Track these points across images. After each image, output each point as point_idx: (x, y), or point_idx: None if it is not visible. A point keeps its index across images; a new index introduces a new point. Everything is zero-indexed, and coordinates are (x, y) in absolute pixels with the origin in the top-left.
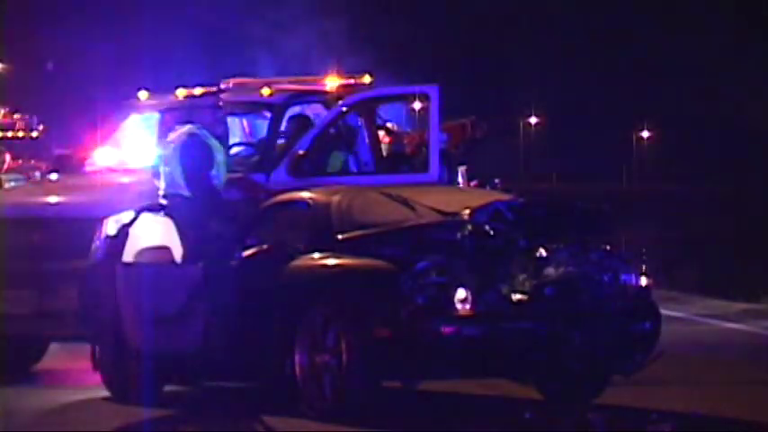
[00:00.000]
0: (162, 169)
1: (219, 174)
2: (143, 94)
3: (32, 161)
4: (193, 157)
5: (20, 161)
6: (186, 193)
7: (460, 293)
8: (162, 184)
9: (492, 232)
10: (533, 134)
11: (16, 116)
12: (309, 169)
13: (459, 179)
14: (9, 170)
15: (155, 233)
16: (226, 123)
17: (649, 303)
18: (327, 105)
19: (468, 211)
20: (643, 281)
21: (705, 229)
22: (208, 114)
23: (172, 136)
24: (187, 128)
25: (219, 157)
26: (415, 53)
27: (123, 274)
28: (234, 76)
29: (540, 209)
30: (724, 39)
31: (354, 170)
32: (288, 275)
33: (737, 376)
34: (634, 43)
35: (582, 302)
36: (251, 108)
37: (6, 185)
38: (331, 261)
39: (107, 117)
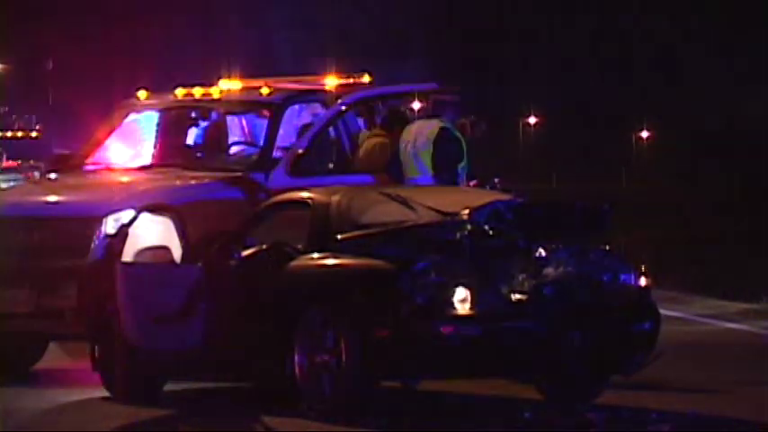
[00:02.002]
0: (403, 157)
1: (464, 169)
2: (142, 94)
3: (31, 161)
4: (447, 150)
5: (19, 161)
6: (430, 182)
7: (460, 293)
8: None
9: (491, 232)
10: (533, 134)
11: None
12: (309, 169)
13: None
14: (7, 169)
15: (155, 233)
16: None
17: (649, 303)
18: (326, 105)
19: (467, 211)
20: (643, 281)
21: (705, 228)
22: (451, 111)
23: (415, 127)
24: (435, 121)
25: (465, 152)
26: (415, 53)
27: (123, 274)
28: (232, 76)
29: (540, 209)
30: (724, 38)
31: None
32: (287, 275)
33: (737, 376)
34: (633, 43)
35: (581, 303)
36: (250, 107)
37: (3, 185)
38: (331, 261)
39: (107, 117)
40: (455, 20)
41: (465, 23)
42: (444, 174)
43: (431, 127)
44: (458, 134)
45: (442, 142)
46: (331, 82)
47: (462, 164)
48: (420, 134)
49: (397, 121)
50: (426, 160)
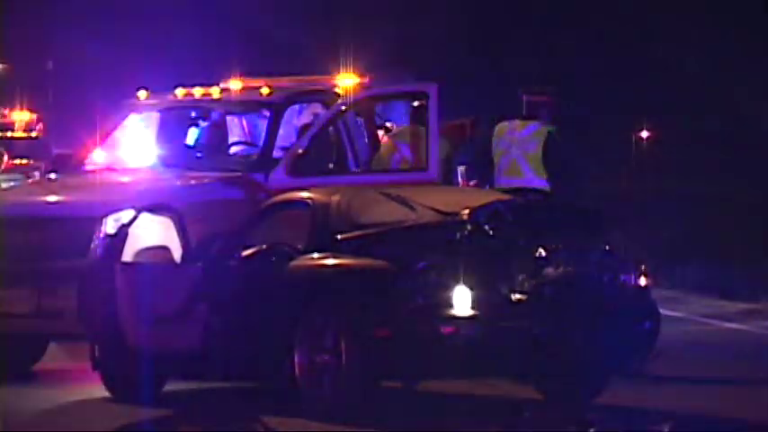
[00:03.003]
0: (500, 158)
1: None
2: (142, 94)
3: (31, 161)
4: (559, 154)
5: (17, 161)
6: (543, 187)
7: (460, 293)
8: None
9: (492, 232)
10: None
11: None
12: (309, 169)
13: (459, 179)
14: (7, 170)
15: (155, 233)
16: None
17: (649, 303)
18: (326, 104)
19: (467, 211)
20: (643, 281)
21: (705, 228)
22: (546, 111)
23: (510, 126)
24: (536, 123)
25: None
26: (414, 52)
27: (123, 274)
28: (232, 76)
29: (540, 209)
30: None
31: (354, 169)
32: (287, 275)
33: (737, 376)
34: (634, 43)
35: (581, 302)
36: (250, 107)
37: (4, 185)
38: (330, 261)
39: (107, 117)
40: (454, 18)
41: (464, 24)
42: (559, 178)
43: (534, 129)
44: (556, 137)
45: (553, 147)
46: (331, 82)
47: (574, 167)
48: (523, 136)
49: (422, 118)
50: (534, 164)
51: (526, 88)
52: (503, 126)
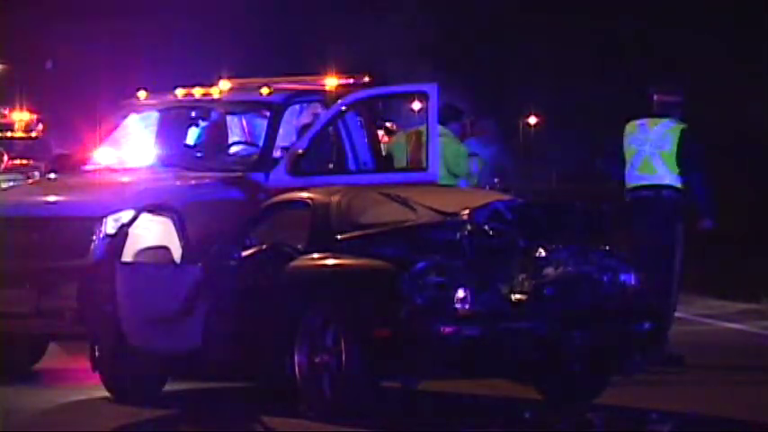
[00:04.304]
0: (632, 156)
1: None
2: (142, 94)
3: (31, 161)
4: (693, 152)
5: (17, 161)
6: (676, 183)
7: (460, 293)
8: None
9: (491, 232)
10: (533, 134)
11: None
12: (309, 169)
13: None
14: (7, 170)
15: (155, 233)
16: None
17: (649, 303)
18: (326, 105)
19: (467, 212)
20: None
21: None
22: (677, 111)
23: (641, 124)
24: (667, 121)
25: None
26: (414, 51)
27: (123, 274)
28: (232, 76)
29: (540, 209)
30: (725, 36)
31: (353, 169)
32: (287, 275)
33: (737, 376)
34: (633, 42)
35: (581, 302)
36: (250, 107)
37: (4, 185)
38: (330, 261)
39: (107, 117)
40: (454, 19)
41: (465, 23)
42: (692, 174)
43: (668, 127)
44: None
45: (687, 144)
46: (331, 82)
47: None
48: (657, 134)
49: (451, 116)
50: (667, 161)
51: (657, 88)
52: (633, 124)
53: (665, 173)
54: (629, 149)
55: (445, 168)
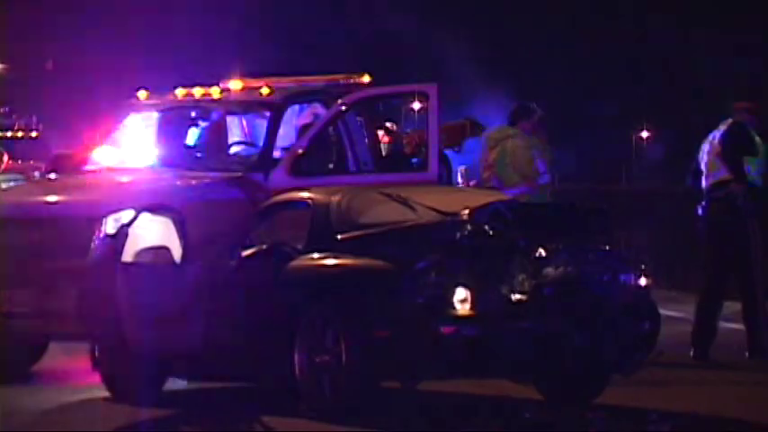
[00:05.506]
0: (704, 156)
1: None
2: (142, 94)
3: (31, 161)
4: (735, 142)
5: (17, 161)
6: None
7: (460, 293)
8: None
9: (491, 232)
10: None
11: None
12: (309, 169)
13: (459, 179)
14: (7, 170)
15: (155, 233)
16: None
17: (649, 303)
18: (327, 104)
19: (467, 211)
20: (643, 281)
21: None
22: (752, 117)
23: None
24: (730, 120)
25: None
26: (414, 51)
27: (123, 274)
28: (232, 76)
29: (540, 209)
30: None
31: (353, 169)
32: (287, 275)
33: (737, 376)
34: (634, 43)
35: (581, 302)
36: (250, 107)
37: (4, 185)
38: (331, 261)
39: (107, 117)
40: (454, 19)
41: (464, 23)
42: (732, 164)
43: (726, 125)
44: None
45: (731, 135)
46: (331, 82)
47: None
48: (717, 138)
49: (522, 115)
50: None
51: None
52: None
53: (721, 169)
54: (704, 157)
55: (511, 168)
